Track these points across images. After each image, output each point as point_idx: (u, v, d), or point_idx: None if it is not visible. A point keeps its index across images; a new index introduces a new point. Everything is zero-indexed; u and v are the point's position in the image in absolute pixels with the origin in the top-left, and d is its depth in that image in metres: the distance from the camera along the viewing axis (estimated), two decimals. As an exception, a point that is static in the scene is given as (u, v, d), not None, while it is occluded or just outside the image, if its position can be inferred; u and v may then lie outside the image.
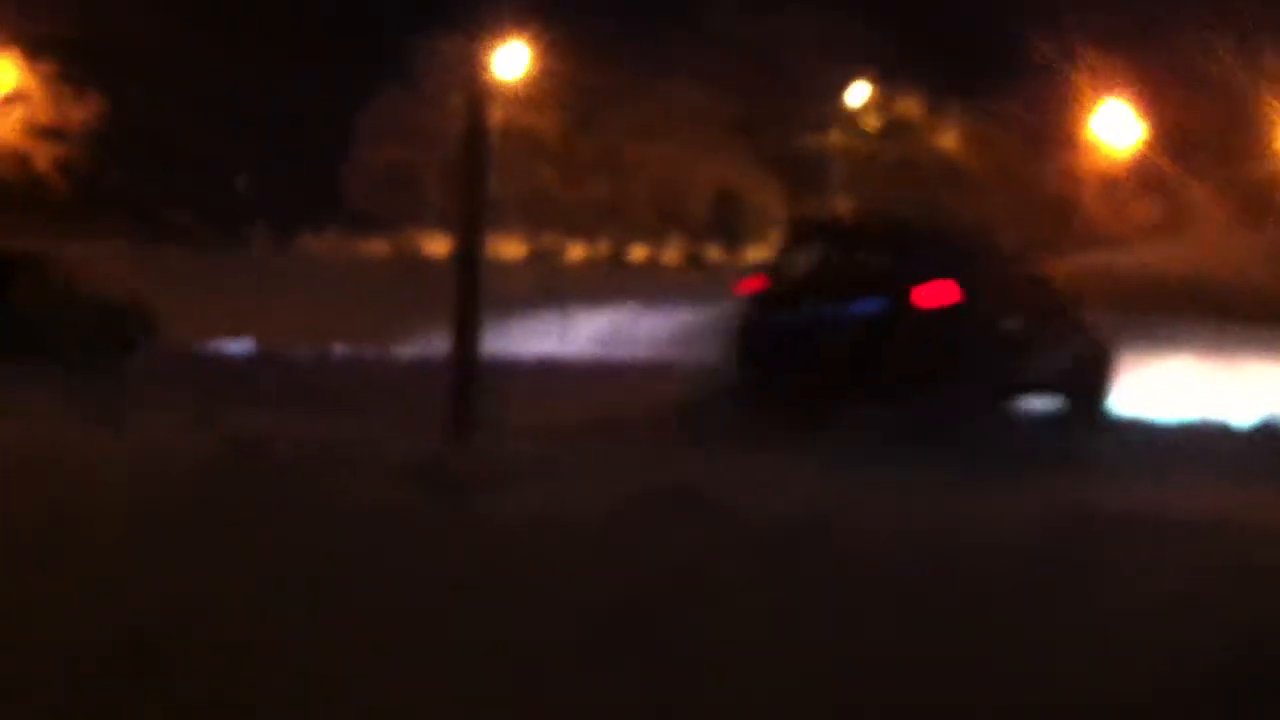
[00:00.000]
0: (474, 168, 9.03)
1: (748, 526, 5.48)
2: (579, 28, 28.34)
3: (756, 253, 32.81)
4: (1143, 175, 31.24)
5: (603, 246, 32.35)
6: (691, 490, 6.01)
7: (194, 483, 6.07)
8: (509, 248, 31.65)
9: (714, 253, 32.71)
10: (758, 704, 3.54)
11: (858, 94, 32.90)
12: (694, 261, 32.07)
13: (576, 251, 32.33)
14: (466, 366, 8.79)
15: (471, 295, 8.88)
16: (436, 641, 3.88)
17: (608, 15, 28.49)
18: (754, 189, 32.48)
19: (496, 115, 31.26)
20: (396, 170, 30.48)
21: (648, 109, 30.51)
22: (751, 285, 10.83)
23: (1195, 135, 29.60)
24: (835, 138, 32.85)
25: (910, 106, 32.85)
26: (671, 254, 32.43)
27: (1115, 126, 31.05)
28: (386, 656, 3.74)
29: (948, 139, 33.23)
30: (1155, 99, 30.05)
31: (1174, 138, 30.05)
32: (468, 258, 8.95)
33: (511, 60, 30.61)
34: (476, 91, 9.29)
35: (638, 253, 32.46)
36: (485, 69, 31.05)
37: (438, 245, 30.63)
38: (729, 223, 32.70)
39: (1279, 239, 28.46)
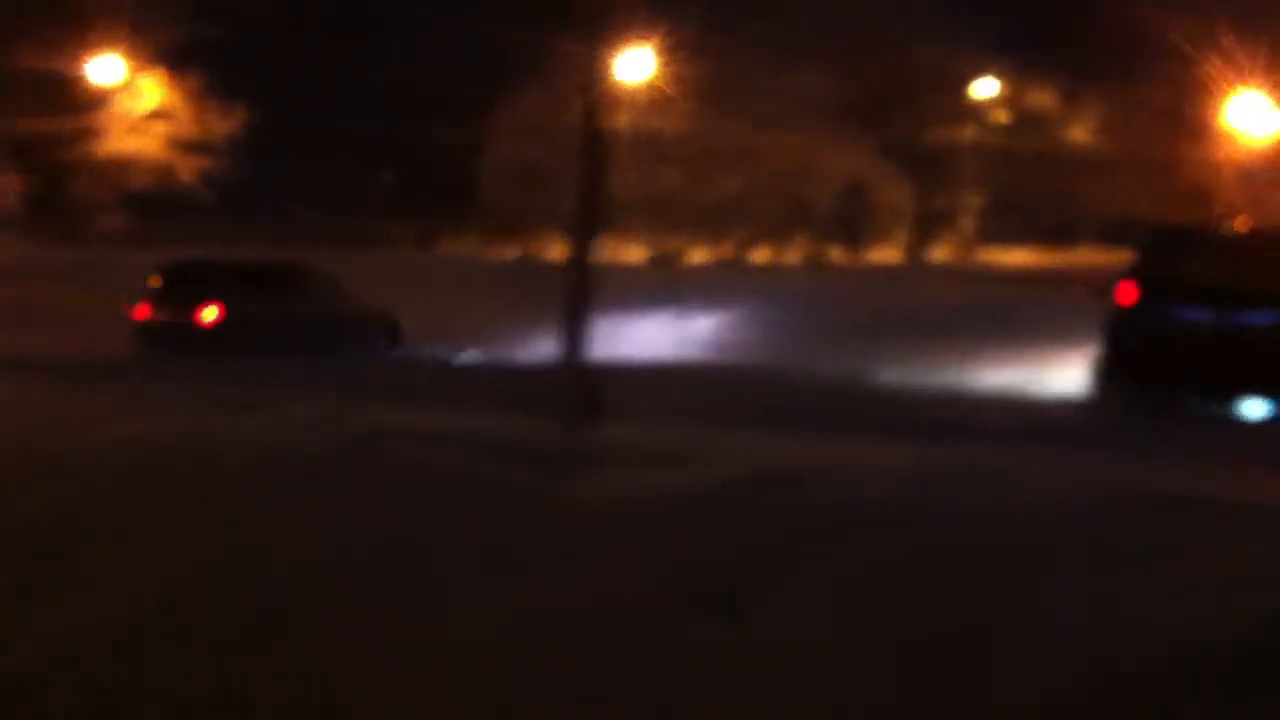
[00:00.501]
0: (589, 172, 9.33)
1: (830, 511, 5.62)
2: (701, 22, 28.53)
3: (881, 253, 32.68)
4: (1282, 164, 30.46)
5: (726, 248, 32.41)
6: (795, 475, 6.21)
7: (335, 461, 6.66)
8: (631, 252, 31.96)
9: (837, 253, 32.58)
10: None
11: (987, 87, 32.57)
12: (815, 262, 31.99)
13: (699, 254, 32.43)
14: (578, 360, 9.11)
15: (583, 292, 9.21)
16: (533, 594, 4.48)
17: (729, 5, 28.63)
18: (881, 184, 32.29)
19: (620, 119, 31.73)
20: (530, 171, 30.88)
21: (772, 101, 30.51)
22: (1127, 292, 11.02)
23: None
24: (966, 131, 32.56)
25: (1042, 98, 32.42)
26: (795, 254, 32.36)
27: (1252, 115, 30.30)
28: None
29: (1081, 130, 32.73)
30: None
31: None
32: (579, 258, 9.28)
33: (635, 64, 30.93)
34: (593, 97, 9.50)
35: (761, 254, 32.45)
36: (605, 73, 31.44)
37: (558, 249, 31.11)
38: (855, 220, 32.54)
39: None
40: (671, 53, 29.99)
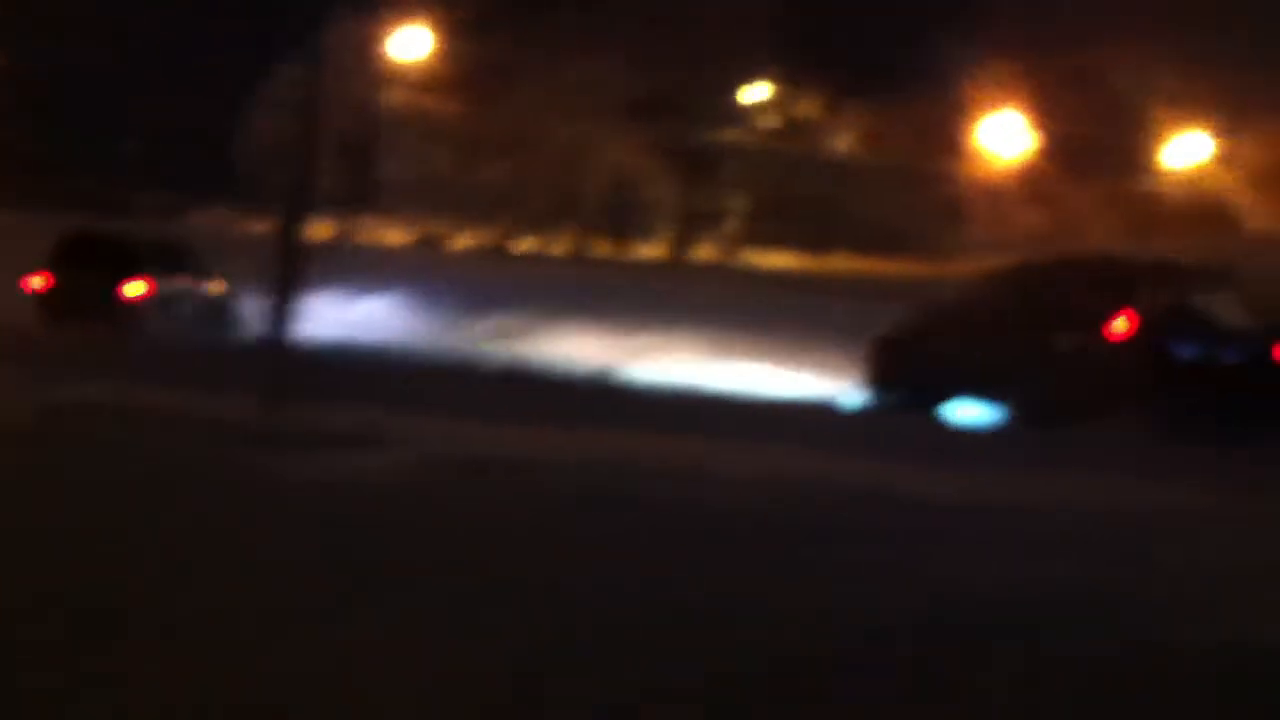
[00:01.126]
0: (303, 152, 9.05)
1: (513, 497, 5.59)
2: (488, 5, 28.20)
3: (646, 249, 32.89)
4: (1031, 184, 31.79)
5: (492, 235, 32.11)
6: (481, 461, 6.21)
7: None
8: (395, 234, 31.38)
9: (602, 247, 32.61)
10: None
11: (757, 92, 33.10)
12: (580, 255, 31.98)
13: (466, 239, 32.06)
14: (280, 341, 8.85)
15: (288, 272, 8.94)
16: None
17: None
18: (650, 180, 32.48)
19: (394, 98, 31.23)
20: (287, 146, 29.93)
21: (551, 90, 30.34)
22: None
23: (1084, 147, 30.20)
24: (733, 133, 33.00)
25: (809, 107, 33.11)
26: (560, 246, 32.27)
27: (1006, 135, 31.55)
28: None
29: (844, 140, 33.53)
30: (1048, 110, 30.60)
31: (1063, 149, 30.63)
32: (286, 238, 9.00)
33: (411, 43, 30.43)
34: (313, 69, 9.19)
35: (526, 243, 32.27)
36: (372, 50, 30.99)
37: (321, 228, 30.35)
38: (622, 215, 32.67)
39: (1163, 245, 29.07)
40: (450, 34, 29.60)
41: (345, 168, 30.95)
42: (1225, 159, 29.51)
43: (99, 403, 8.00)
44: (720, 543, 4.66)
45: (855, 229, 32.91)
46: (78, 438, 6.95)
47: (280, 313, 8.84)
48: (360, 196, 30.47)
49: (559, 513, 5.13)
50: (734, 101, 32.71)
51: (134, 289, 17.85)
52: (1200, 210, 29.67)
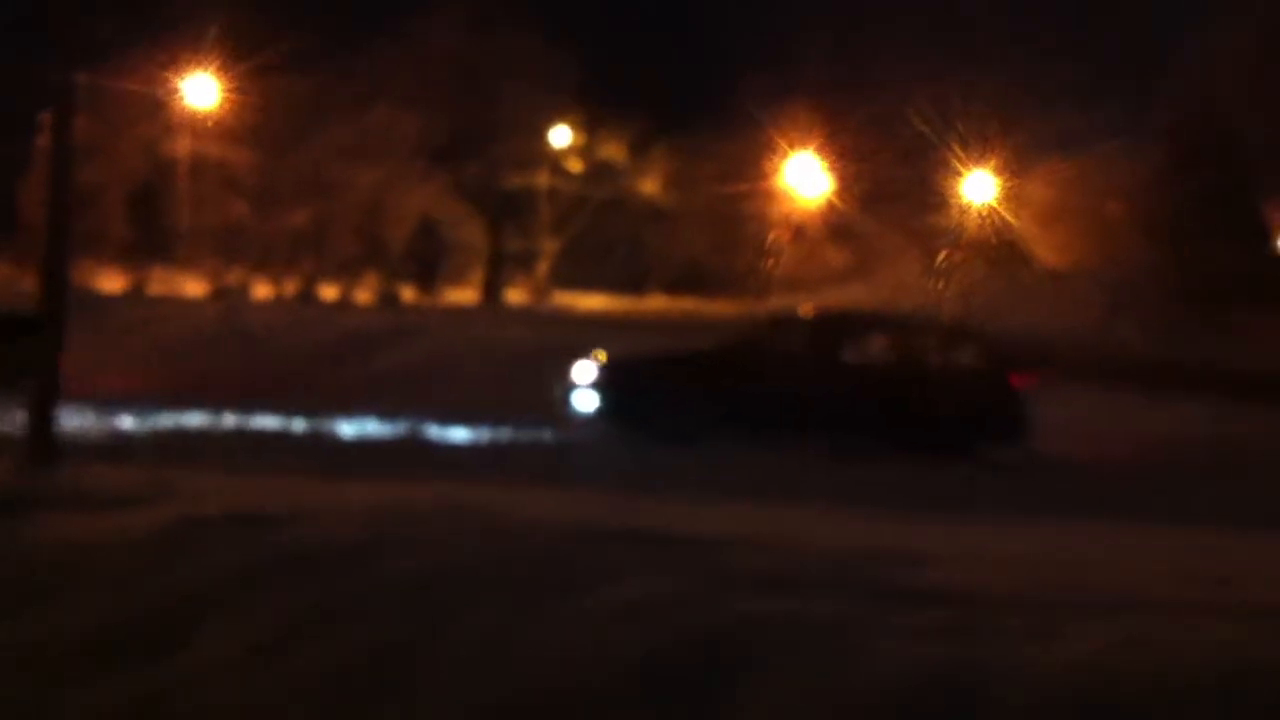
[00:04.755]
0: (55, 200, 8.51)
1: (290, 549, 5.29)
2: (281, 50, 27.56)
3: (457, 293, 32.54)
4: (834, 223, 32.46)
5: (293, 283, 31.33)
6: (258, 516, 5.88)
7: None
8: (191, 285, 30.35)
9: (409, 292, 32.15)
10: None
11: (561, 136, 33.12)
12: (386, 300, 31.45)
13: (265, 289, 31.21)
14: (48, 396, 8.30)
15: (56, 323, 8.40)
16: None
17: (307, 33, 27.83)
18: (456, 224, 32.19)
19: (185, 146, 30.29)
20: (78, 194, 28.78)
21: (348, 135, 29.87)
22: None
23: (884, 186, 30.97)
24: (541, 177, 32.94)
25: (613, 149, 33.25)
26: (366, 292, 31.68)
27: (806, 176, 32.16)
28: None
29: (651, 182, 33.77)
30: (848, 151, 31.31)
31: (864, 188, 31.36)
32: (51, 288, 8.46)
33: (204, 90, 29.57)
34: (59, 110, 8.67)
35: (330, 290, 31.58)
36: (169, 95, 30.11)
37: (112, 280, 29.25)
38: (429, 259, 32.27)
39: (960, 281, 29.93)
40: (243, 79, 28.85)
41: (137, 217, 29.90)
42: (1015, 196, 30.57)
43: None
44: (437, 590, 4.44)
45: (666, 269, 33.13)
46: None
47: (44, 368, 8.29)
48: (154, 246, 29.47)
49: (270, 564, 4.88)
50: (539, 145, 32.68)
51: None
52: (993, 245, 30.65)
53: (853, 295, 29.69)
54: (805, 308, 18.51)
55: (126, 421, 12.58)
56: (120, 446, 9.78)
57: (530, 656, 3.81)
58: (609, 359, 13.44)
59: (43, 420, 8.11)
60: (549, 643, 3.85)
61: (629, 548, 4.99)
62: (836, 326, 14.24)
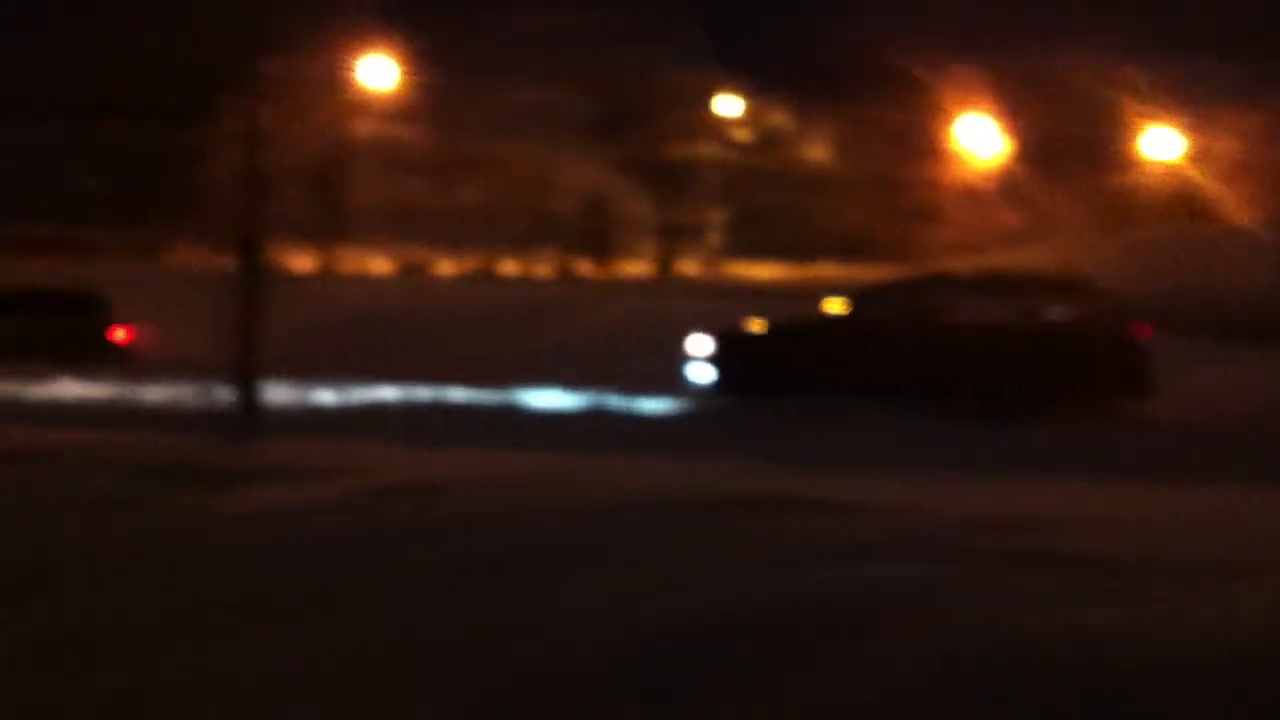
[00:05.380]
0: (251, 189, 9.06)
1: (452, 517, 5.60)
2: (438, 32, 28.25)
3: (630, 266, 32.97)
4: (1006, 184, 31.90)
5: (473, 260, 32.16)
6: (431, 486, 6.20)
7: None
8: (378, 263, 31.40)
9: (585, 266, 32.70)
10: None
11: (728, 105, 33.20)
12: (565, 274, 32.06)
13: (447, 266, 32.11)
14: (250, 372, 8.84)
15: (252, 305, 8.94)
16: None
17: (464, 18, 28.48)
18: (622, 198, 32.58)
19: (365, 128, 31.25)
20: (267, 178, 29.92)
21: (509, 114, 30.45)
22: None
23: (1057, 145, 30.32)
24: (705, 148, 33.09)
25: (779, 117, 33.22)
26: (544, 267, 32.35)
27: (978, 137, 31.67)
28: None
29: (817, 149, 33.63)
30: (1018, 110, 30.73)
31: (1036, 147, 30.75)
32: (248, 273, 9.02)
33: (377, 72, 30.47)
34: (253, 104, 9.21)
35: (509, 266, 32.32)
36: (340, 82, 31.04)
37: (302, 260, 30.34)
38: (600, 233, 32.74)
39: (1135, 242, 29.20)
40: (412, 62, 29.67)
41: (318, 199, 30.99)
42: (1198, 152, 29.65)
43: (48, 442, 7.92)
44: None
45: (835, 237, 33.01)
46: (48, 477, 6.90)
47: (244, 347, 8.83)
48: (334, 227, 30.50)
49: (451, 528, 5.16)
50: (704, 115, 32.82)
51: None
52: (1174, 203, 29.79)
53: (1027, 258, 29.22)
54: (913, 271, 18.26)
55: (318, 396, 13.19)
56: (313, 420, 10.25)
57: (680, 597, 3.97)
58: (720, 330, 13.45)
59: (246, 396, 8.64)
60: (708, 589, 4.04)
61: (770, 512, 5.18)
62: (947, 288, 14.01)
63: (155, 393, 13.63)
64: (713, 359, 13.17)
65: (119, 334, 20.22)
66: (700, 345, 13.30)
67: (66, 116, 29.11)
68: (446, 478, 6.16)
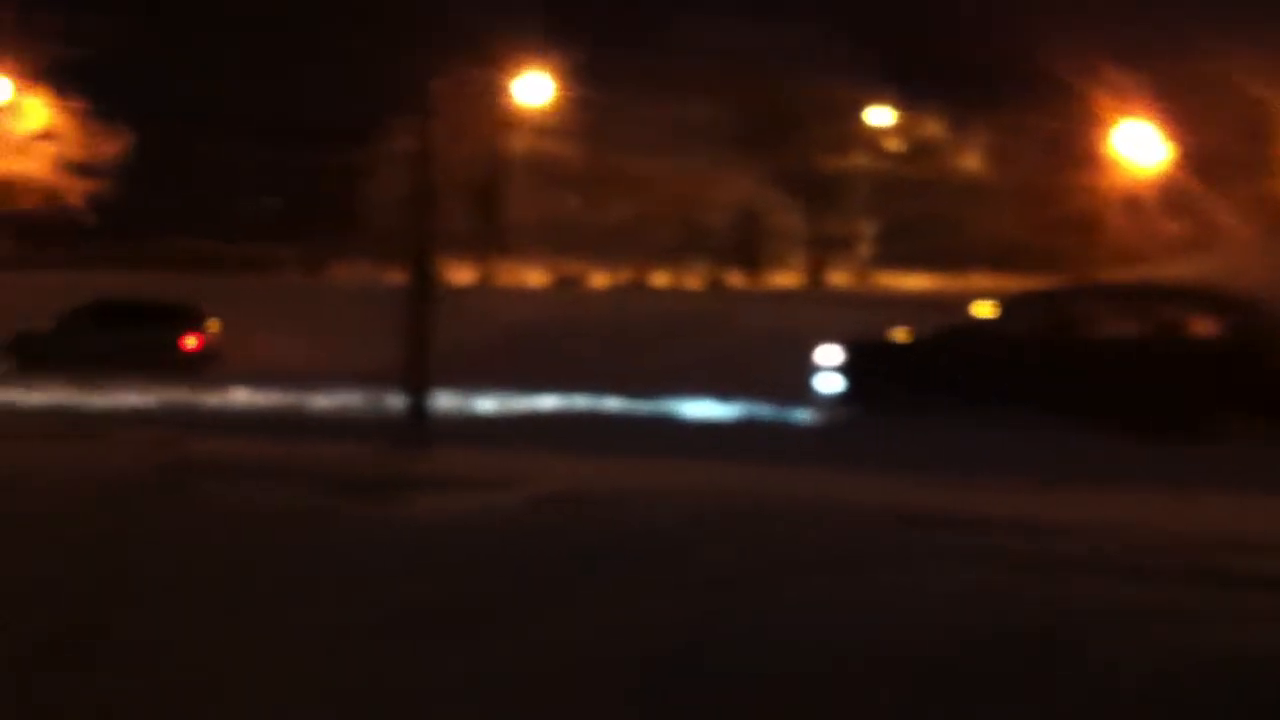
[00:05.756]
0: (420, 204, 9.32)
1: (619, 531, 5.67)
2: (589, 49, 28.62)
3: (780, 278, 32.97)
4: (1169, 192, 31.11)
5: (625, 272, 32.53)
6: (594, 498, 6.29)
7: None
8: (532, 275, 31.96)
9: (736, 278, 32.82)
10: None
11: (880, 115, 33.01)
12: (716, 286, 32.21)
13: (599, 278, 32.53)
14: (421, 382, 9.09)
15: (423, 317, 9.20)
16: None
17: (613, 34, 28.81)
18: (773, 210, 32.61)
19: (520, 144, 31.81)
20: (408, 197, 30.66)
21: (658, 129, 30.71)
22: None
23: (1220, 151, 29.48)
24: (857, 158, 32.94)
25: (932, 127, 32.91)
26: (694, 279, 32.56)
27: (1139, 144, 30.94)
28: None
29: (971, 158, 33.24)
30: (1179, 116, 29.96)
31: (1198, 154, 29.94)
32: (418, 286, 9.27)
33: (532, 88, 30.99)
34: (426, 121, 9.49)
35: (660, 278, 32.61)
36: (497, 98, 31.64)
37: (462, 273, 30.95)
38: (751, 245, 32.81)
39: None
40: (566, 79, 30.11)
41: (475, 213, 31.62)
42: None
43: (204, 455, 8.12)
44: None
45: (988, 247, 32.55)
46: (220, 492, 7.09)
47: (414, 358, 9.09)
48: (492, 240, 31.10)
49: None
50: (855, 127, 32.68)
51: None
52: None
53: (1191, 269, 28.45)
54: (1049, 283, 17.77)
55: (480, 405, 13.49)
56: (480, 429, 10.47)
57: (874, 626, 3.99)
58: (850, 341, 13.28)
59: (417, 405, 8.90)
60: (897, 617, 4.02)
61: (951, 533, 5.14)
62: (1099, 299, 13.66)
63: (322, 400, 14.09)
64: (842, 369, 13.10)
65: (190, 341, 21.38)
66: (829, 355, 13.24)
67: (244, 139, 30.19)
68: (630, 487, 6.27)
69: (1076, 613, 3.90)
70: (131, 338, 21.04)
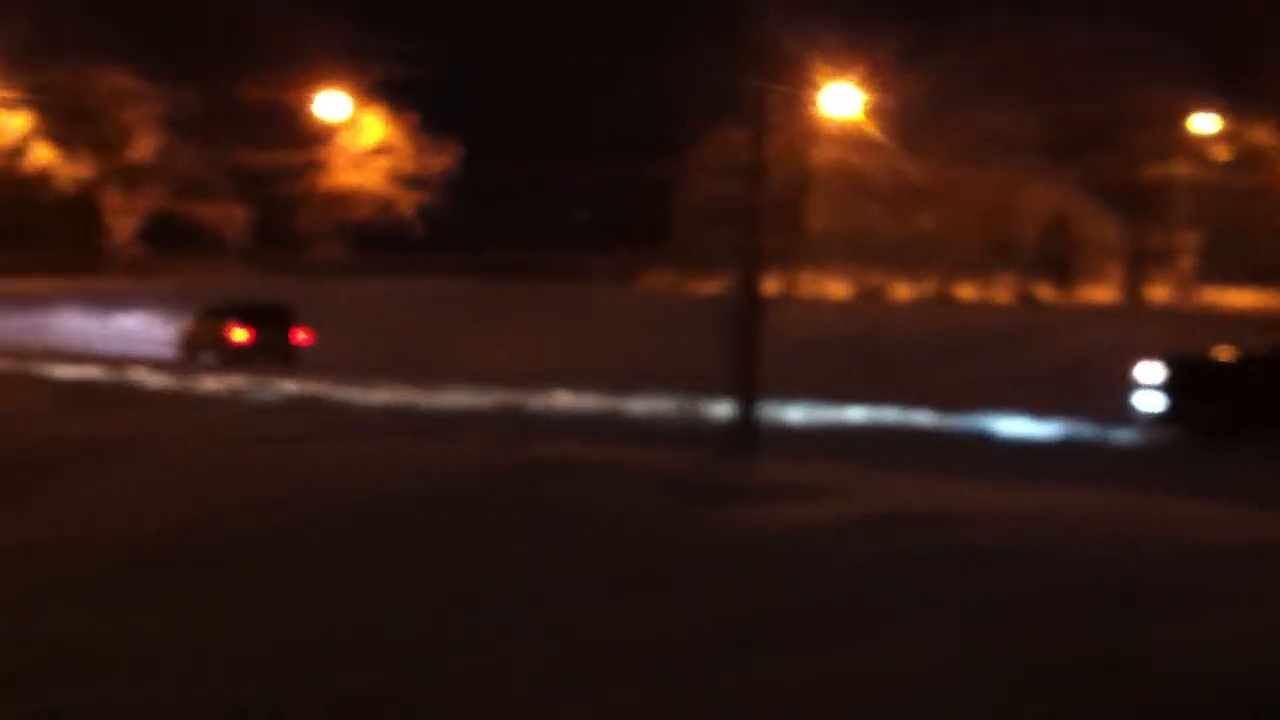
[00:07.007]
0: (751, 215, 9.54)
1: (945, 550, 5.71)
2: (895, 58, 28.40)
3: (1093, 291, 31.85)
4: None
5: (928, 285, 32.08)
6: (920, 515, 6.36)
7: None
8: (834, 287, 31.88)
9: (1045, 291, 31.91)
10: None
11: (1205, 123, 31.54)
12: (1025, 300, 31.41)
13: (902, 290, 32.18)
14: (749, 390, 9.31)
15: (752, 328, 9.41)
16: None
17: (920, 42, 28.51)
18: (1087, 220, 31.53)
19: (823, 154, 31.80)
20: (726, 208, 31.09)
21: (966, 137, 30.15)
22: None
23: None
24: (1180, 167, 31.54)
25: (1262, 133, 31.23)
26: (1001, 292, 31.81)
27: None
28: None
29: (1306, 167, 31.38)
30: None
31: None
32: (746, 298, 9.48)
33: (840, 99, 30.95)
34: (759, 135, 9.72)
35: (965, 291, 32.01)
36: (801, 111, 31.64)
37: (766, 284, 31.18)
38: (1061, 257, 31.84)
39: None
40: (872, 89, 29.94)
41: (778, 224, 31.79)
42: None
43: (549, 457, 8.45)
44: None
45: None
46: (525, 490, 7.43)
47: (742, 370, 9.30)
48: (795, 252, 31.23)
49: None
50: (1178, 134, 31.30)
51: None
52: None
53: None
54: None
55: (792, 415, 13.63)
56: (798, 441, 10.59)
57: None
58: (1173, 358, 12.91)
59: (745, 413, 9.13)
60: None
61: None
62: None
63: (640, 405, 14.52)
64: (1163, 387, 12.70)
65: (300, 336, 23.63)
66: (1150, 373, 12.87)
67: (566, 158, 31.37)
68: (961, 508, 6.29)
69: None
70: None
